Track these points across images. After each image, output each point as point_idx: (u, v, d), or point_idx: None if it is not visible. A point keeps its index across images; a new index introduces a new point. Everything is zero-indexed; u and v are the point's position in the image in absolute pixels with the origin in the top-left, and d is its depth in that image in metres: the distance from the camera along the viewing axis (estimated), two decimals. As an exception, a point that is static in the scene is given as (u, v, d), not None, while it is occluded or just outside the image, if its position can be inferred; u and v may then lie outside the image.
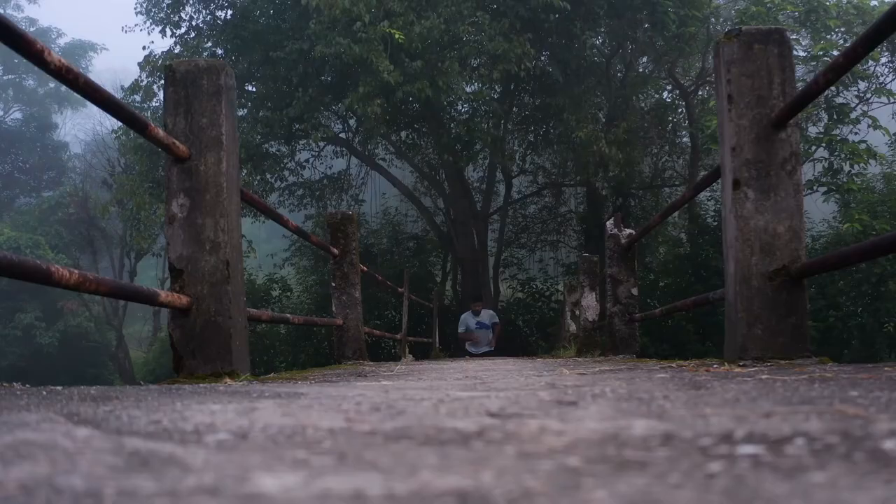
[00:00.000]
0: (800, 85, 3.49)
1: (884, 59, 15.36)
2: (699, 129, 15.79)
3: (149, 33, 18.45)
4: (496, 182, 21.89)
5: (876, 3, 15.31)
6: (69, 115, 43.63)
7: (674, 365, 3.64)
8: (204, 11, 17.85)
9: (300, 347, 18.25)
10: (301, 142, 18.27)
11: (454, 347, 18.01)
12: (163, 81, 3.78)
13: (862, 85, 14.75)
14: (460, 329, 14.67)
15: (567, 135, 16.24)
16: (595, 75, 18.11)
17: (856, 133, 14.16)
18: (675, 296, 14.64)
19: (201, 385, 2.73)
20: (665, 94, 20.64)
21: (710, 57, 16.63)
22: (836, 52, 13.32)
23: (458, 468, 0.89)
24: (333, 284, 6.80)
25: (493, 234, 22.48)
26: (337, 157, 21.24)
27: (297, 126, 16.10)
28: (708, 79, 17.51)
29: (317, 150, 20.26)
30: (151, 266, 30.91)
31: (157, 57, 16.97)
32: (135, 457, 0.96)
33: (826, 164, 14.16)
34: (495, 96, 18.01)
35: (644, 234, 7.19)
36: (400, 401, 1.72)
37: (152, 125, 3.14)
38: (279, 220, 5.05)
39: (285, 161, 18.48)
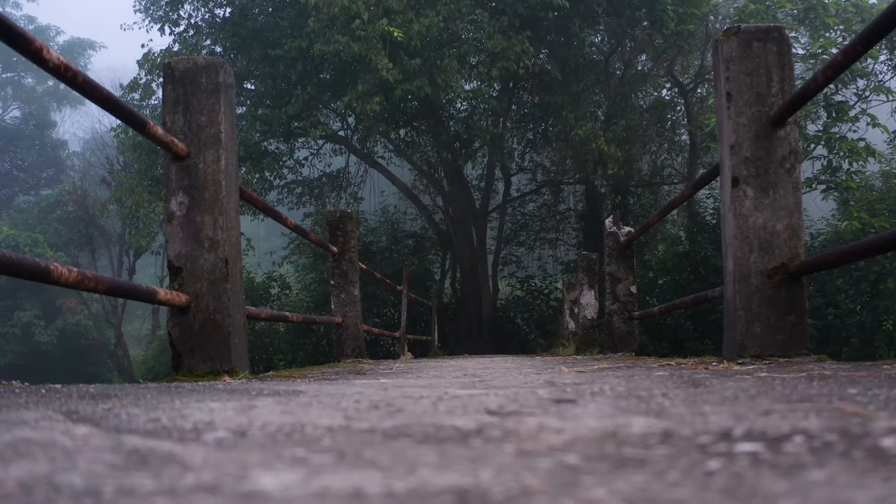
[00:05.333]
0: (799, 83, 3.49)
1: (882, 57, 15.36)
2: (698, 127, 15.79)
3: (147, 31, 18.52)
4: (495, 180, 21.92)
5: (874, 1, 15.31)
6: (68, 113, 43.66)
7: (672, 363, 3.64)
8: (203, 9, 17.85)
9: (299, 345, 18.25)
10: (300, 140, 18.28)
11: (453, 345, 18.03)
12: (161, 79, 3.78)
13: (861, 83, 14.76)
14: None
15: (566, 133, 16.26)
16: (594, 73, 18.11)
17: (855, 131, 14.16)
18: (673, 294, 14.65)
19: (200, 383, 2.73)
20: (664, 92, 20.65)
21: (709, 55, 16.64)
22: (834, 50, 13.33)
23: (456, 466, 0.89)
24: (332, 282, 6.80)
25: (492, 232, 22.50)
26: (336, 155, 21.24)
27: (295, 124, 16.10)
28: (707, 77, 17.52)
29: (316, 147, 20.28)
30: (150, 264, 30.92)
31: (155, 55, 16.97)
32: (134, 455, 0.96)
33: (825, 162, 14.17)
34: (494, 94, 18.01)
35: (643, 232, 7.19)
36: (399, 399, 1.73)
37: (151, 123, 3.13)
38: (278, 218, 5.05)
39: (284, 159, 18.49)
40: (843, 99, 14.31)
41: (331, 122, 19.33)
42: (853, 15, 14.82)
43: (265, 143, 17.22)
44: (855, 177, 14.09)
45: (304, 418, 1.34)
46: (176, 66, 3.51)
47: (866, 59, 14.16)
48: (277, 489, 0.78)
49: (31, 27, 40.20)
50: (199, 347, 3.34)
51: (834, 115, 13.94)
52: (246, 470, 0.88)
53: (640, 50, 18.82)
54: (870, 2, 15.27)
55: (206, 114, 3.45)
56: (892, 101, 15.00)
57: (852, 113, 14.08)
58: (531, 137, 19.83)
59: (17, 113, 41.68)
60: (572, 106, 16.11)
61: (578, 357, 6.98)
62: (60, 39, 42.05)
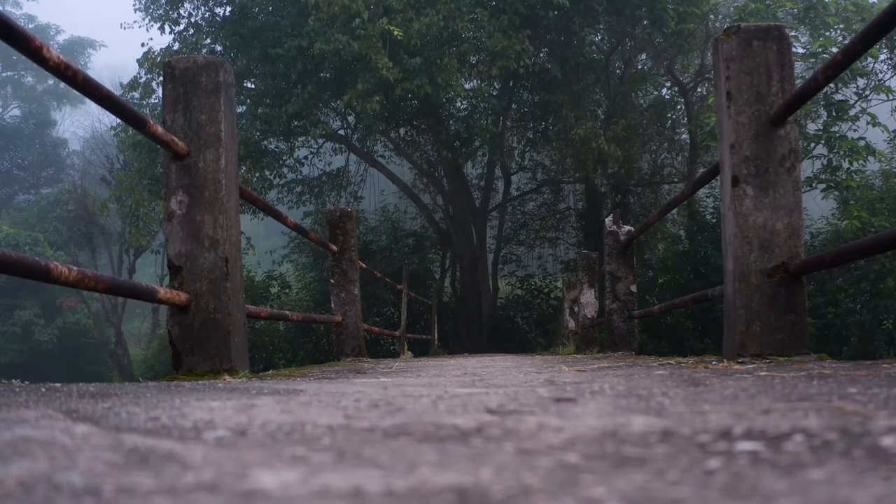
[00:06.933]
0: (799, 82, 3.48)
1: (883, 56, 15.36)
2: (698, 126, 15.79)
3: (147, 30, 18.48)
4: (495, 179, 21.93)
5: (874, 0, 15.31)
6: (68, 112, 43.63)
7: (672, 362, 3.64)
8: (203, 8, 17.84)
9: (299, 344, 18.26)
10: (300, 139, 18.27)
11: (453, 344, 18.03)
12: (161, 78, 3.78)
13: (861, 82, 14.75)
14: None
15: (566, 132, 16.25)
16: (594, 72, 18.11)
17: (855, 130, 14.16)
18: (673, 293, 14.64)
19: (200, 382, 2.73)
20: (664, 91, 20.64)
21: (709, 54, 16.63)
22: (834, 49, 13.33)
23: (456, 465, 0.89)
24: (332, 281, 6.80)
25: (492, 231, 22.52)
26: (336, 154, 21.24)
27: (295, 123, 16.09)
28: (707, 76, 17.52)
29: (316, 146, 20.27)
30: (150, 263, 30.92)
31: (155, 54, 16.96)
32: (134, 453, 0.96)
33: (825, 161, 14.17)
34: (494, 93, 18.01)
35: (643, 231, 7.19)
36: (399, 397, 1.73)
37: (151, 122, 3.13)
38: (278, 216, 5.05)
39: (284, 158, 18.49)
40: (843, 98, 14.31)
41: (331, 120, 19.32)
42: (853, 14, 14.82)
43: (265, 142, 17.21)
44: (855, 176, 14.08)
45: (304, 417, 1.34)
46: (176, 65, 3.51)
47: (866, 58, 14.16)
48: (277, 488, 0.78)
49: (31, 26, 40.18)
50: (198, 346, 3.34)
51: (834, 114, 13.94)
52: (246, 469, 0.88)
53: (640, 49, 18.82)
54: (870, 1, 15.26)
55: (206, 113, 3.45)
56: (892, 100, 15.00)
57: (852, 112, 14.08)
58: (531, 136, 19.83)
59: (17, 112, 41.66)
60: (572, 105, 16.10)
61: (578, 356, 6.98)
62: (60, 38, 42.02)
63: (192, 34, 17.41)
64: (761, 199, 3.38)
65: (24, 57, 2.50)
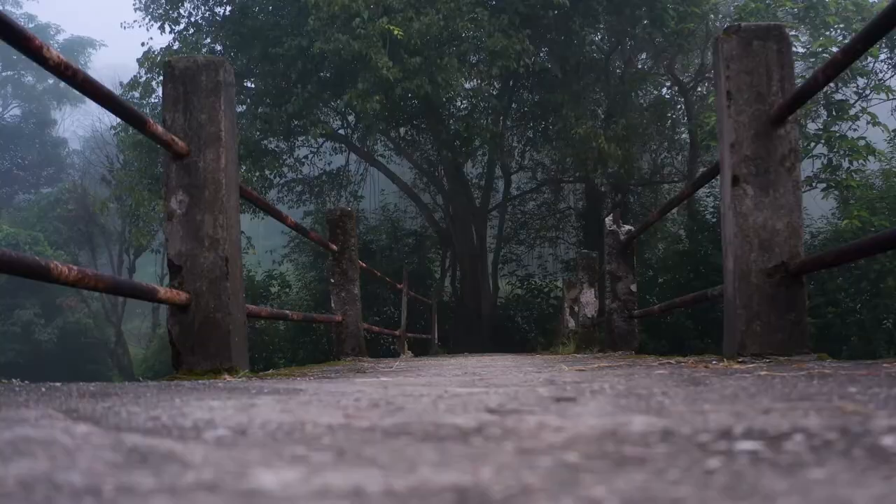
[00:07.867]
0: (799, 81, 3.48)
1: (883, 56, 15.35)
2: (698, 126, 15.78)
3: (147, 30, 18.45)
4: (495, 178, 21.93)
5: (875, -1, 15.30)
6: (68, 111, 43.65)
7: (672, 361, 3.64)
8: (203, 7, 17.84)
9: (299, 344, 18.25)
10: (300, 138, 18.27)
11: (453, 344, 18.03)
12: (161, 78, 3.78)
13: (861, 81, 14.74)
14: None
15: (566, 131, 16.25)
16: (594, 72, 18.10)
17: (855, 129, 14.14)
18: (673, 292, 14.63)
19: (200, 381, 2.73)
20: (664, 91, 20.64)
21: (709, 53, 16.63)
22: (835, 49, 13.31)
23: (456, 464, 0.89)
24: (332, 281, 6.80)
25: (492, 231, 22.52)
26: (336, 154, 21.23)
27: (295, 122, 16.09)
28: (707, 75, 17.51)
29: (316, 146, 20.26)
30: (150, 262, 30.93)
31: (155, 53, 16.95)
32: (134, 453, 0.96)
33: (825, 161, 14.15)
34: (494, 93, 18.01)
35: (643, 231, 7.19)
36: (399, 397, 1.73)
37: (151, 121, 3.13)
38: (278, 216, 5.05)
39: (284, 157, 18.49)
40: (843, 97, 14.30)
41: (331, 120, 19.31)
42: (853, 13, 14.80)
43: (265, 142, 17.21)
44: (855, 175, 14.07)
45: (305, 416, 1.34)
46: (176, 65, 3.50)
47: (866, 58, 14.15)
48: (278, 487, 0.78)
49: (31, 25, 40.17)
50: (199, 346, 3.34)
51: (834, 113, 13.93)
52: (246, 468, 0.88)
53: (640, 48, 18.82)
54: (870, 0, 15.25)
55: (206, 112, 3.45)
56: (893, 99, 14.99)
57: (852, 111, 14.06)
58: (531, 136, 19.83)
59: (17, 111, 41.68)
60: (572, 104, 16.10)
61: (578, 355, 6.98)
62: (61, 38, 42.04)
63: (192, 34, 17.41)
64: (761, 199, 3.38)
65: (24, 56, 2.49)
